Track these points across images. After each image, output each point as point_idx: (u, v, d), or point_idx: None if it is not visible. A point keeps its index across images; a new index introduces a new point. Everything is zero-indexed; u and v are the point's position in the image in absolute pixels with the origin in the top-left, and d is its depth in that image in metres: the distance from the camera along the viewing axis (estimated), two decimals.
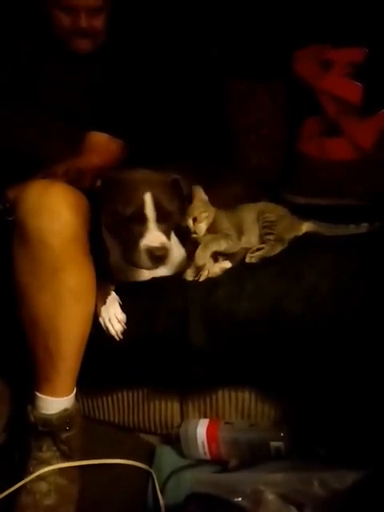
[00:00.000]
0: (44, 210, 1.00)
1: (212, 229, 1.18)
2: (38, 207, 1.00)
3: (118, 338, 1.10)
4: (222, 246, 1.16)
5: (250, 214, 1.23)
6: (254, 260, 1.16)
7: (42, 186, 1.04)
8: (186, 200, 1.10)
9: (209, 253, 1.14)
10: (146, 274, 1.14)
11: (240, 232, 1.21)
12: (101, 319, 1.10)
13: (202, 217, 1.16)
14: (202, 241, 1.16)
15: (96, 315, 1.10)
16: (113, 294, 1.13)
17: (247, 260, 1.17)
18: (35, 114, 1.41)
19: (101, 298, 1.11)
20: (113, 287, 1.14)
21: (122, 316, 1.12)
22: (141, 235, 1.00)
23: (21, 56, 1.45)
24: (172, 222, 1.05)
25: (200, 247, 1.14)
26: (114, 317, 1.11)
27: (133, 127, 1.39)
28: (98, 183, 1.06)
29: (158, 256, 1.00)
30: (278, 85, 1.59)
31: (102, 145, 1.38)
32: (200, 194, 1.18)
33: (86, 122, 1.38)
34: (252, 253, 1.17)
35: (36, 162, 1.26)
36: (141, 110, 1.40)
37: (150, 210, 1.01)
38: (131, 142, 1.40)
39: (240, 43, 1.63)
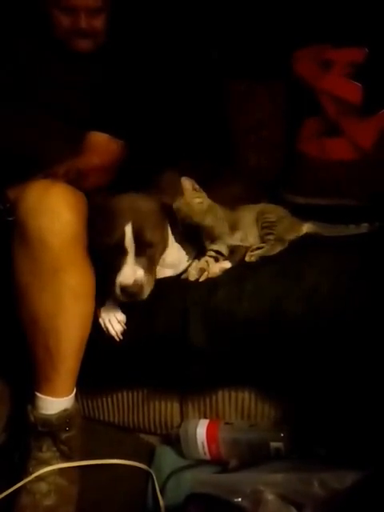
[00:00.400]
0: (44, 210, 1.00)
1: (210, 219, 1.18)
2: (39, 207, 1.00)
3: (117, 339, 1.10)
4: (219, 266, 1.16)
5: (249, 215, 1.23)
6: (253, 258, 1.17)
7: (43, 187, 1.04)
8: (176, 224, 1.09)
9: (219, 268, 1.15)
10: None
11: (234, 228, 1.20)
12: (101, 320, 1.10)
13: (194, 202, 1.16)
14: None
15: (96, 315, 1.10)
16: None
17: (247, 259, 1.17)
18: (35, 113, 1.41)
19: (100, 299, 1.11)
20: None
21: (121, 316, 1.12)
22: (118, 268, 1.01)
23: (21, 56, 1.45)
24: (155, 251, 1.05)
25: (193, 266, 1.15)
26: (113, 317, 1.11)
27: (133, 127, 1.39)
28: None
29: (131, 293, 1.01)
30: (278, 85, 1.59)
31: (101, 145, 1.38)
32: (188, 183, 1.16)
33: (86, 122, 1.38)
34: (252, 251, 1.17)
35: (36, 161, 1.26)
36: (141, 110, 1.40)
37: (129, 243, 1.01)
38: (131, 142, 1.40)
39: (239, 44, 1.63)
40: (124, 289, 1.01)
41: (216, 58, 1.63)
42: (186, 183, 1.16)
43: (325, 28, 1.50)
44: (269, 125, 1.60)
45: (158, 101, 1.43)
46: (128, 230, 1.01)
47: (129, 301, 1.04)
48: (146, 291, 1.03)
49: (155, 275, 1.07)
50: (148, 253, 1.03)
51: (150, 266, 1.05)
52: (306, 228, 1.25)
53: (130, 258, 1.01)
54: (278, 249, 1.19)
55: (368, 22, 1.46)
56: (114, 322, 1.10)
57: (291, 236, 1.22)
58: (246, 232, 1.21)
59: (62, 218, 1.01)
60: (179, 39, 1.54)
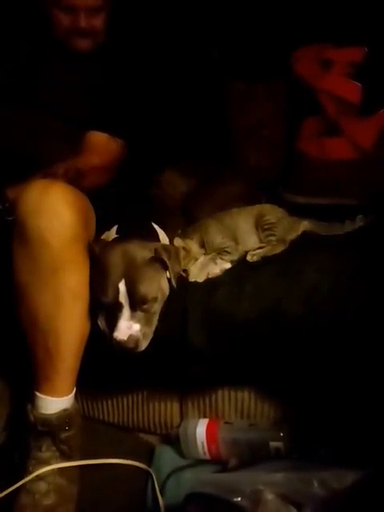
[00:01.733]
0: (44, 209, 1.00)
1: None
2: (38, 207, 1.00)
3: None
4: (219, 266, 1.16)
5: (246, 223, 1.22)
6: (255, 258, 1.16)
7: (42, 186, 1.04)
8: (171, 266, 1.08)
9: (204, 275, 1.15)
10: None
11: (236, 241, 1.20)
12: (98, 322, 1.09)
13: (191, 264, 1.17)
14: (199, 261, 1.17)
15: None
16: None
17: (248, 258, 1.17)
18: (35, 113, 1.41)
19: None
20: None
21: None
22: (115, 323, 1.02)
23: (21, 56, 1.45)
24: (152, 303, 1.05)
25: (196, 265, 1.15)
26: None
27: (133, 127, 1.39)
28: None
29: (126, 348, 1.02)
30: (278, 85, 1.59)
31: (101, 144, 1.37)
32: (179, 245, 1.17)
33: (86, 122, 1.38)
34: (253, 251, 1.17)
35: (36, 161, 1.26)
36: (141, 109, 1.40)
37: (123, 299, 1.02)
38: (131, 142, 1.40)
39: (240, 43, 1.62)
40: (119, 344, 1.01)
41: (216, 58, 1.63)
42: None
43: (325, 27, 1.50)
44: (269, 124, 1.60)
45: (157, 100, 1.43)
46: (121, 287, 1.02)
47: (127, 353, 1.04)
48: (143, 345, 1.04)
49: (155, 325, 1.07)
50: (143, 305, 1.03)
51: (148, 318, 1.05)
52: (303, 226, 1.25)
53: (126, 313, 1.02)
54: (280, 249, 1.19)
55: (368, 22, 1.46)
56: None
57: (292, 236, 1.22)
58: (244, 240, 1.21)
59: (61, 218, 1.01)
60: (179, 39, 1.54)
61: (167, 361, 1.15)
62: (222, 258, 1.17)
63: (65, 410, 1.06)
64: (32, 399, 1.07)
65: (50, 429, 1.06)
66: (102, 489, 1.13)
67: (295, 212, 1.28)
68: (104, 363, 1.17)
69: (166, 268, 1.07)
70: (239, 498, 0.98)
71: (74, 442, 1.09)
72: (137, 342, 1.02)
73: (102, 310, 1.05)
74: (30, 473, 1.06)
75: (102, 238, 1.15)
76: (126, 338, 1.01)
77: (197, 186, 1.35)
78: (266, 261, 1.16)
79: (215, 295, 1.12)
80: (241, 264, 1.18)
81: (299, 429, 1.14)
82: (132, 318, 1.02)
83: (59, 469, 1.07)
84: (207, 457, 1.17)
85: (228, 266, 1.17)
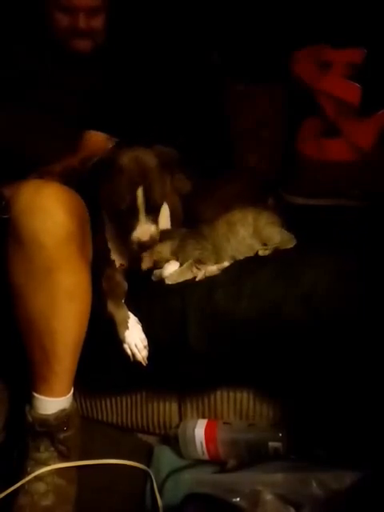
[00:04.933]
0: (37, 209, 1.00)
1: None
2: (31, 207, 1.00)
3: (144, 364, 1.10)
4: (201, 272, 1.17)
5: (246, 230, 1.22)
6: (267, 252, 1.19)
7: (35, 186, 1.04)
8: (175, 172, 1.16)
9: (181, 278, 1.17)
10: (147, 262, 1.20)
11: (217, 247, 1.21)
12: (126, 345, 1.10)
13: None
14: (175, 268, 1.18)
15: (93, 318, 1.09)
16: (132, 316, 1.13)
17: (260, 253, 1.19)
18: (33, 113, 1.41)
19: (122, 323, 1.11)
20: (131, 314, 1.14)
21: (145, 341, 1.12)
22: (133, 227, 1.09)
23: (20, 56, 1.45)
24: (161, 205, 1.13)
25: (175, 271, 1.18)
26: (139, 342, 1.10)
27: (131, 127, 1.39)
28: (90, 164, 1.11)
29: (147, 247, 1.11)
30: (277, 86, 1.59)
31: (99, 144, 1.37)
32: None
33: (85, 122, 1.38)
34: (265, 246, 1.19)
35: (33, 160, 1.26)
36: (139, 109, 1.40)
37: (141, 205, 1.07)
38: (129, 141, 1.40)
39: (239, 44, 1.63)
40: (141, 244, 1.09)
41: (217, 59, 1.63)
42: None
43: (324, 29, 1.50)
44: (268, 125, 1.60)
45: (156, 100, 1.43)
46: (140, 193, 1.07)
47: (143, 251, 1.13)
48: (157, 241, 1.13)
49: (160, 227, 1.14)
50: (156, 211, 1.11)
51: (157, 218, 1.12)
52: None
53: (142, 217, 1.09)
54: (292, 244, 1.21)
55: (367, 23, 1.46)
56: (141, 346, 1.10)
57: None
58: (239, 250, 1.21)
59: (55, 218, 1.01)
60: (178, 39, 1.54)
61: (166, 361, 1.15)
62: (197, 268, 1.17)
63: (63, 411, 1.06)
64: (30, 400, 1.07)
65: (48, 429, 1.06)
66: (101, 489, 1.13)
67: (295, 213, 1.28)
68: (103, 363, 1.17)
69: (171, 173, 1.14)
70: (238, 499, 0.98)
71: (73, 443, 1.09)
72: (154, 240, 1.11)
73: (117, 216, 1.11)
74: (29, 473, 1.05)
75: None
76: (147, 239, 1.09)
77: (199, 186, 1.35)
78: (264, 261, 1.16)
79: (214, 296, 1.12)
80: (240, 264, 1.18)
81: (298, 429, 1.14)
82: (147, 221, 1.09)
83: (58, 469, 1.06)
84: (206, 457, 1.17)
85: (226, 264, 1.18)
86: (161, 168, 1.11)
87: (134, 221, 1.09)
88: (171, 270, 1.17)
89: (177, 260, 1.19)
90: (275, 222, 1.25)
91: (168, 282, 1.16)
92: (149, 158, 1.11)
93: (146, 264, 1.18)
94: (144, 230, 1.08)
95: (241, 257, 1.20)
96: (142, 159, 1.10)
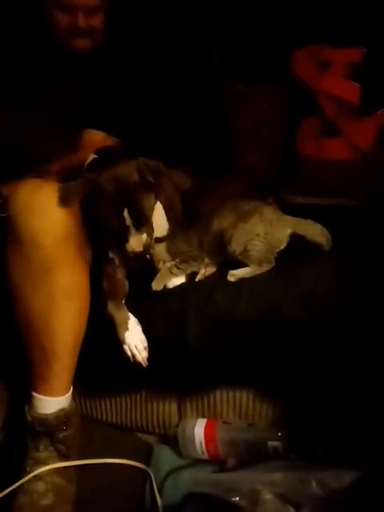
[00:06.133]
0: (34, 209, 1.00)
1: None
2: (29, 206, 1.01)
3: (144, 365, 1.10)
4: (173, 280, 1.17)
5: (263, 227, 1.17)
6: (233, 279, 1.13)
7: (34, 185, 1.04)
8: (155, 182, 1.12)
9: (161, 285, 1.17)
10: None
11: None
12: (126, 346, 1.10)
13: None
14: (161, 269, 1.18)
15: (94, 322, 1.10)
16: (132, 317, 1.13)
17: (228, 278, 1.14)
18: (34, 113, 1.41)
19: (122, 323, 1.11)
20: (131, 315, 1.14)
21: (145, 342, 1.11)
22: (125, 241, 1.06)
23: (20, 56, 1.45)
24: (150, 217, 1.10)
25: (157, 276, 1.17)
26: (139, 343, 1.10)
27: (130, 126, 1.39)
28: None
29: (142, 257, 1.09)
30: (277, 86, 1.59)
31: (98, 143, 1.37)
32: None
33: (84, 121, 1.38)
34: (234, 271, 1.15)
35: (33, 159, 1.26)
36: (138, 109, 1.40)
37: (128, 221, 1.05)
38: (128, 141, 1.40)
39: (239, 45, 1.63)
40: (136, 255, 1.08)
41: (216, 59, 1.63)
42: None
43: (323, 28, 1.50)
44: (267, 125, 1.60)
45: (156, 100, 1.43)
46: (126, 215, 1.05)
47: (140, 265, 1.13)
48: (152, 246, 1.12)
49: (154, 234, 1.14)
50: (145, 222, 1.08)
51: (150, 227, 1.10)
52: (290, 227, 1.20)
53: (133, 231, 1.06)
54: (264, 269, 1.15)
55: (366, 22, 1.46)
56: (141, 347, 1.10)
57: (277, 249, 1.17)
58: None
59: (52, 217, 1.01)
60: (178, 38, 1.54)
61: (166, 361, 1.15)
62: (178, 268, 1.17)
63: (62, 410, 1.06)
64: (29, 399, 1.07)
65: (48, 429, 1.06)
66: (100, 489, 1.13)
67: (295, 213, 1.27)
68: (102, 363, 1.17)
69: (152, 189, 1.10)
70: (237, 498, 0.98)
71: (72, 442, 1.09)
72: (149, 247, 1.10)
73: (108, 233, 1.10)
74: (28, 473, 1.05)
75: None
76: (141, 249, 1.08)
77: (197, 184, 1.35)
78: None
79: (214, 296, 1.12)
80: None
81: (297, 429, 1.14)
82: (137, 233, 1.07)
83: (57, 469, 1.07)
84: (205, 456, 1.17)
85: (180, 281, 1.17)
86: (142, 182, 1.07)
87: (126, 234, 1.07)
88: (177, 283, 1.17)
89: (172, 259, 1.19)
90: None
91: (155, 288, 1.16)
92: (128, 174, 1.07)
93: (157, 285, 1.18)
94: (136, 241, 1.07)
95: (219, 257, 1.18)
96: (121, 179, 1.06)
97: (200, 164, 1.41)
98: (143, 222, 1.07)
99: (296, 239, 1.15)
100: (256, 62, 1.60)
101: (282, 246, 1.15)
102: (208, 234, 1.18)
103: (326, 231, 1.16)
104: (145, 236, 1.08)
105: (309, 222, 1.17)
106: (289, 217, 1.17)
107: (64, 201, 1.02)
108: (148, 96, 1.43)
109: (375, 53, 1.42)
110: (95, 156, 1.15)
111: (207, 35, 1.62)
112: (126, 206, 1.04)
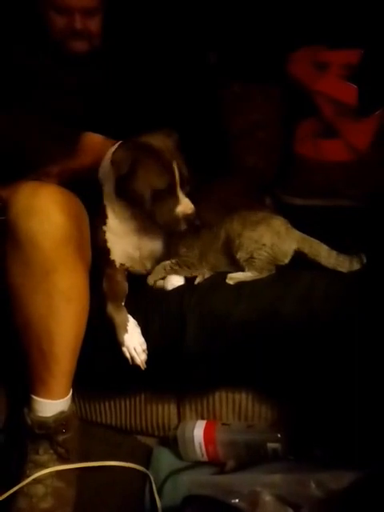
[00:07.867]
0: (34, 211, 1.00)
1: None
2: (28, 209, 1.01)
3: (143, 368, 1.10)
4: (169, 281, 1.18)
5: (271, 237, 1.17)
6: (231, 282, 1.14)
7: (33, 188, 1.04)
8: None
9: (153, 279, 1.18)
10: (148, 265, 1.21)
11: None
12: (125, 349, 1.10)
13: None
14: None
15: (92, 327, 1.10)
16: (131, 319, 1.13)
17: (227, 280, 1.14)
18: (33, 114, 1.40)
19: (122, 326, 1.11)
20: (130, 317, 1.14)
21: (144, 344, 1.11)
22: (175, 204, 1.10)
23: (17, 58, 1.44)
24: (190, 180, 1.13)
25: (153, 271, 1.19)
26: (138, 346, 1.10)
27: (128, 129, 1.39)
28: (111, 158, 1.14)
29: (191, 220, 1.11)
30: (274, 87, 1.59)
31: (96, 146, 1.37)
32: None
33: (82, 124, 1.38)
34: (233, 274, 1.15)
35: (31, 161, 1.26)
36: (136, 111, 1.40)
37: (177, 180, 1.10)
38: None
39: (236, 46, 1.63)
40: (186, 217, 1.10)
41: (214, 61, 1.63)
42: None
43: (320, 29, 1.50)
44: (265, 126, 1.60)
45: (153, 101, 1.43)
46: (175, 169, 1.10)
47: (187, 227, 1.12)
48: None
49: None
50: (187, 184, 1.12)
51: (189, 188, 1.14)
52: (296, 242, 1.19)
53: (180, 192, 1.10)
54: (264, 275, 1.16)
55: (363, 23, 1.46)
56: (139, 350, 1.10)
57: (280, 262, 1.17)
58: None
59: (52, 220, 1.01)
60: (175, 40, 1.53)
61: (165, 363, 1.15)
62: (172, 268, 1.17)
63: (62, 413, 1.06)
64: (28, 402, 1.07)
65: (47, 431, 1.06)
66: (100, 491, 1.13)
67: (292, 214, 1.28)
68: (102, 365, 1.17)
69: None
70: (237, 500, 0.98)
71: (72, 445, 1.09)
72: (194, 213, 1.11)
73: (151, 199, 1.10)
74: (28, 476, 1.05)
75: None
76: (191, 210, 1.10)
77: (197, 189, 1.35)
78: None
79: (212, 297, 1.12)
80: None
81: (296, 430, 1.14)
82: (183, 194, 1.11)
83: (57, 472, 1.06)
84: (205, 458, 1.17)
85: (179, 283, 1.17)
86: (177, 146, 1.15)
87: (172, 199, 1.10)
88: (174, 282, 1.17)
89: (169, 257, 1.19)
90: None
91: (149, 282, 1.17)
92: (168, 139, 1.15)
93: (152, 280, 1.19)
94: (186, 203, 1.10)
95: (223, 268, 1.18)
96: (167, 140, 1.15)
97: (197, 165, 1.41)
98: (187, 182, 1.11)
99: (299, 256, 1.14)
100: (253, 63, 1.60)
101: (286, 261, 1.14)
102: (215, 250, 1.18)
103: (333, 253, 1.12)
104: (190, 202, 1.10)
105: (315, 241, 1.14)
106: (297, 232, 1.15)
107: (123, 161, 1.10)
108: (146, 97, 1.43)
109: (372, 54, 1.42)
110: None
111: (204, 36, 1.62)
112: (174, 159, 1.10)
